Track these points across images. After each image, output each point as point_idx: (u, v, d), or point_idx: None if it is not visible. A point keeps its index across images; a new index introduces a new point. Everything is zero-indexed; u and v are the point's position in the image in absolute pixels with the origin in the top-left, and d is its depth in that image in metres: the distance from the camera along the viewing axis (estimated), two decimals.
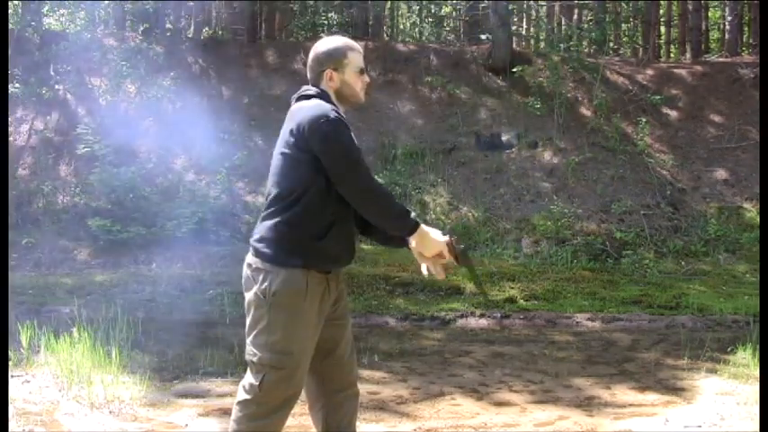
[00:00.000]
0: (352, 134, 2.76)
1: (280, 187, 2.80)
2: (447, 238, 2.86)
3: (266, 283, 2.76)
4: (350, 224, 2.88)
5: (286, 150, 2.79)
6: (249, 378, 2.81)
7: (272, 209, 2.81)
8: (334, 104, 2.87)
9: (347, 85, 2.92)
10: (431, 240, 2.82)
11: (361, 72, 2.95)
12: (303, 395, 2.96)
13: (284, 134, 2.82)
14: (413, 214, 2.79)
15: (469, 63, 14.34)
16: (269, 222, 2.80)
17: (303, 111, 2.78)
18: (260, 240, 2.81)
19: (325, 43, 2.96)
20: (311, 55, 2.96)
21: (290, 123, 2.81)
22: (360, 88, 2.94)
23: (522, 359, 6.19)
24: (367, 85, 2.99)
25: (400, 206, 2.78)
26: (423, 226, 2.80)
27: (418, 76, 13.77)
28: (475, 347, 6.62)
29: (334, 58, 2.91)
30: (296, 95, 2.93)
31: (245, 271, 2.86)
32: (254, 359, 2.79)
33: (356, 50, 2.95)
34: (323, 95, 2.87)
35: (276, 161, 2.83)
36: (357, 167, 2.70)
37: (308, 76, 2.97)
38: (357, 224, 2.97)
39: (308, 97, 2.87)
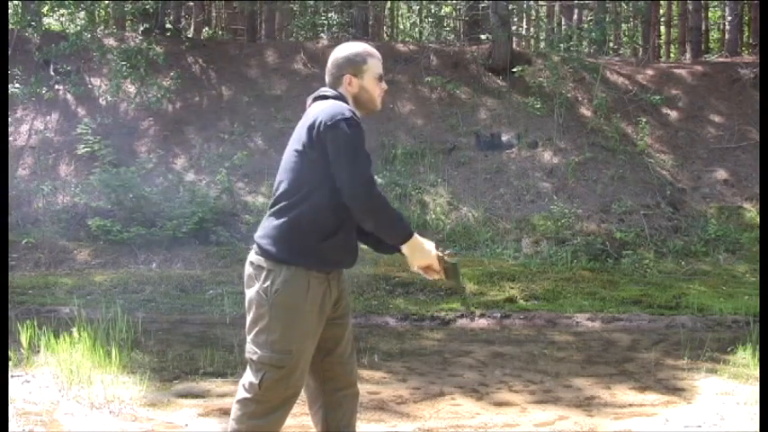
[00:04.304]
0: (364, 136, 2.76)
1: (289, 184, 2.80)
2: (438, 252, 2.85)
3: (268, 282, 2.76)
4: (355, 228, 2.88)
5: (299, 147, 2.79)
6: (249, 376, 2.82)
7: (279, 206, 2.81)
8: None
9: (365, 91, 2.94)
10: (422, 252, 2.83)
11: (380, 79, 2.97)
12: (303, 395, 2.97)
13: (299, 131, 2.83)
14: (407, 223, 2.79)
15: (469, 63, 14.33)
16: (275, 221, 2.80)
17: (320, 108, 2.79)
18: (264, 238, 2.81)
19: (346, 48, 2.98)
20: (331, 59, 2.98)
21: (305, 120, 2.81)
22: (377, 95, 2.97)
23: (522, 359, 6.18)
24: (384, 92, 3.00)
25: (397, 214, 2.77)
26: (416, 237, 2.80)
27: (418, 76, 13.76)
28: (475, 347, 6.62)
29: (355, 64, 2.93)
30: (313, 95, 2.94)
31: (248, 268, 2.86)
32: (254, 357, 2.79)
33: (376, 57, 2.98)
34: (341, 98, 2.89)
35: (288, 157, 2.83)
36: (359, 169, 2.68)
37: (327, 80, 2.98)
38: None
39: (326, 98, 2.88)
